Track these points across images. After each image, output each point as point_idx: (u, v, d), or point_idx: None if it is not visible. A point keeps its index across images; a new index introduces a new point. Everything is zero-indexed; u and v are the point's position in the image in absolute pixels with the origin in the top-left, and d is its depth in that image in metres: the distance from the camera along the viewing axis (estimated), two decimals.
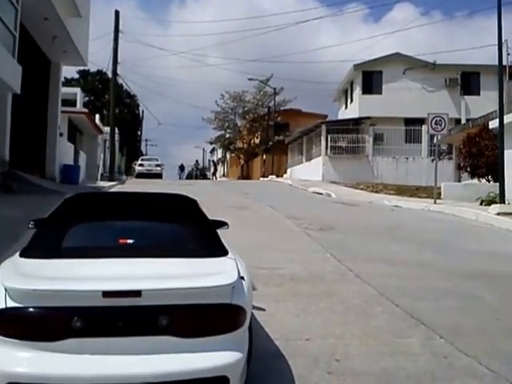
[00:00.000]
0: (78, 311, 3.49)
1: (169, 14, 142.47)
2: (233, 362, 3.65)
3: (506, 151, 18.16)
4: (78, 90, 34.90)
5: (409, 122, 33.98)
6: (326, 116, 51.47)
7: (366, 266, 8.82)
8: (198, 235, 4.82)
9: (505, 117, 18.57)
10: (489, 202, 17.82)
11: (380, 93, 37.76)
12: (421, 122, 30.47)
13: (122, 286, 3.60)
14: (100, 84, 53.21)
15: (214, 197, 16.95)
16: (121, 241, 4.58)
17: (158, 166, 47.94)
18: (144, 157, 55.90)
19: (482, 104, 30.49)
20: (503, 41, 29.13)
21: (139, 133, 68.16)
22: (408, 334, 5.78)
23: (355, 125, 35.70)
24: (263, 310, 5.96)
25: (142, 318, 3.57)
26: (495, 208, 15.83)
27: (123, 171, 51.53)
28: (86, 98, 43.68)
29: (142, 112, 64.40)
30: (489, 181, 21.29)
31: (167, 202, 5.58)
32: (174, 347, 3.58)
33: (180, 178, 42.39)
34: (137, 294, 3.53)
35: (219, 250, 4.52)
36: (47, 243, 4.51)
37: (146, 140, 77.74)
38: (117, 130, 38.42)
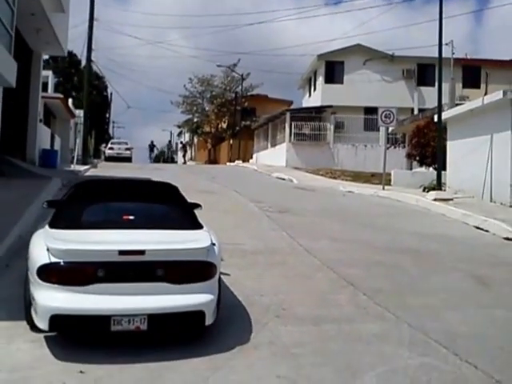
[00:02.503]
0: (101, 264, 5.20)
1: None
2: (207, 301, 5.45)
3: (448, 142, 20.21)
4: (49, 73, 35.41)
5: (368, 110, 35.21)
6: (292, 102, 52.88)
7: (314, 242, 10.55)
8: (180, 214, 6.61)
9: (447, 111, 20.60)
10: (430, 188, 19.75)
11: (342, 82, 39.13)
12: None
13: (132, 247, 5.36)
14: (70, 66, 53.31)
15: (184, 182, 18.24)
16: (124, 217, 6.25)
17: (127, 149, 47.97)
18: (114, 140, 55.66)
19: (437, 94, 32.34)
20: (449, 41, 31.43)
21: (107, 115, 68.21)
22: (339, 292, 7.58)
23: (318, 113, 37.21)
24: (228, 275, 7.59)
25: (145, 270, 5.34)
26: (433, 194, 17.77)
27: (92, 154, 51.76)
28: (56, 79, 43.96)
29: (111, 94, 64.67)
30: (435, 169, 23.24)
31: (157, 188, 7.45)
32: (168, 290, 5.34)
33: (150, 160, 41.52)
34: (142, 252, 5.29)
35: (197, 225, 6.34)
36: (69, 218, 6.15)
37: (114, 122, 77.47)
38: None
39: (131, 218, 6.25)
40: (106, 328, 5.11)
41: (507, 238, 12.10)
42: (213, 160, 56.28)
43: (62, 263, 5.17)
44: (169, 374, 4.85)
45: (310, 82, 44.47)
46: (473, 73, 38.74)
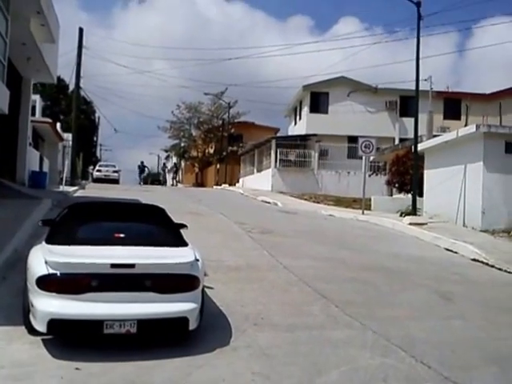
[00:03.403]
0: (94, 276, 5.83)
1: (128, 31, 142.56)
2: (191, 308, 6.12)
3: (425, 171, 21.11)
4: (37, 97, 35.99)
5: (352, 139, 35.81)
6: (278, 129, 53.96)
7: (293, 260, 11.22)
8: (167, 232, 7.30)
9: (425, 142, 21.58)
10: (406, 213, 20.58)
11: (326, 112, 40.14)
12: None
13: (123, 260, 6.00)
14: (58, 91, 53.90)
15: (172, 204, 18.84)
16: (116, 235, 6.89)
17: (115, 171, 48.16)
18: (102, 163, 55.90)
19: (419, 125, 33.41)
20: (428, 76, 32.79)
21: (95, 138, 68.77)
22: (313, 304, 8.24)
23: (303, 140, 38.20)
24: (212, 288, 8.23)
25: (135, 281, 5.98)
26: (408, 219, 18.59)
27: (80, 176, 52.02)
28: (43, 103, 44.44)
29: (98, 118, 65.39)
30: (412, 195, 24.04)
31: (145, 210, 8.13)
32: (155, 299, 5.99)
33: (140, 182, 39.96)
34: (132, 266, 5.95)
35: (182, 243, 7.04)
36: (64, 235, 6.75)
37: (101, 145, 77.88)
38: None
39: (122, 235, 6.88)
40: (99, 331, 5.70)
41: (474, 260, 12.87)
42: (200, 183, 56.78)
43: (58, 274, 5.78)
44: (155, 371, 5.43)
45: (295, 111, 45.45)
46: (453, 105, 40.02)
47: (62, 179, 28.83)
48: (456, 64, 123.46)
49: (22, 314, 6.20)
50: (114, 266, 5.85)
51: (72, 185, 29.11)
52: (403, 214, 20.91)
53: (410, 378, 5.63)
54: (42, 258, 5.97)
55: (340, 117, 38.47)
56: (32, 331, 5.89)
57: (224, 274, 9.49)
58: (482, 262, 12.64)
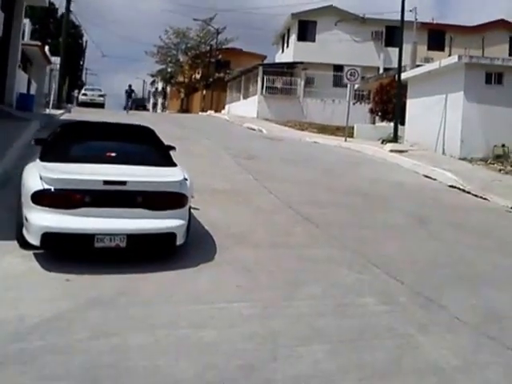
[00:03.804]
0: (87, 192, 6.05)
1: None
2: (179, 225, 6.37)
3: (408, 100, 21.31)
4: (26, 21, 35.26)
5: (337, 68, 35.48)
6: (265, 57, 53.20)
7: (277, 184, 11.49)
8: (157, 153, 7.49)
9: (408, 72, 21.70)
10: (388, 141, 20.87)
11: (313, 41, 39.64)
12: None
13: (115, 178, 6.20)
14: (47, 13, 52.53)
15: (158, 129, 18.81)
16: (108, 154, 7.07)
17: (100, 96, 48.09)
18: (87, 86, 55.08)
19: (404, 55, 33.34)
20: (413, 7, 32.63)
21: (81, 62, 67.61)
22: (295, 225, 8.59)
23: (289, 68, 37.77)
24: (198, 209, 8.46)
25: (126, 197, 6.21)
26: (389, 146, 18.93)
27: (65, 99, 51.36)
28: (31, 27, 43.38)
29: (86, 42, 64.14)
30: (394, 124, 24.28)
31: (135, 130, 8.24)
32: (145, 215, 6.24)
33: (126, 108, 34.99)
34: (124, 183, 6.16)
35: (171, 163, 7.25)
36: (58, 153, 6.92)
37: (87, 69, 76.71)
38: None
39: (113, 154, 7.07)
40: (90, 244, 5.97)
41: (451, 186, 13.27)
42: (185, 109, 56.39)
43: (53, 190, 5.99)
44: (143, 283, 5.72)
45: (283, 39, 44.84)
46: (438, 37, 39.85)
47: (48, 102, 28.60)
48: None
49: (15, 229, 6.42)
50: (106, 182, 6.06)
51: (58, 108, 28.93)
52: (385, 141, 21.20)
53: (383, 292, 5.98)
54: (37, 174, 6.15)
55: (327, 45, 38.03)
56: (24, 245, 6.16)
57: (210, 197, 9.72)
58: (458, 189, 13.07)
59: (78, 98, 50.65)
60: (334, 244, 7.71)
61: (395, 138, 20.79)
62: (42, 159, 6.72)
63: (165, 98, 50.69)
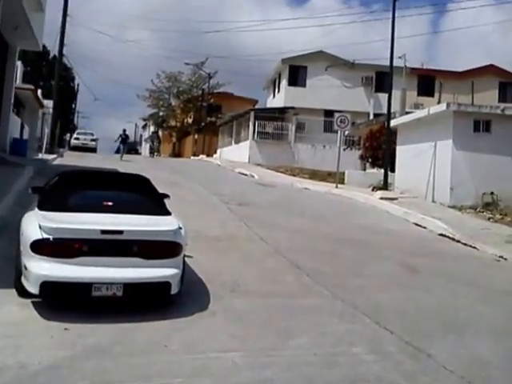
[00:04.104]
0: (85, 241, 6.22)
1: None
2: (173, 274, 6.54)
3: (398, 147, 21.72)
4: (18, 63, 35.68)
5: (328, 113, 35.96)
6: (257, 101, 54.00)
7: (268, 231, 11.70)
8: (151, 201, 7.70)
9: (397, 119, 22.15)
10: (378, 188, 21.24)
11: (304, 86, 40.28)
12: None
13: (112, 227, 6.38)
14: (39, 56, 53.19)
15: (151, 174, 19.00)
16: (104, 203, 7.27)
17: (93, 140, 48.41)
18: (80, 130, 55.60)
19: (393, 101, 33.99)
20: (402, 54, 33.45)
21: (73, 105, 68.15)
22: (286, 273, 8.75)
23: (280, 113, 38.46)
24: (191, 257, 8.62)
25: (122, 246, 6.38)
26: (379, 193, 19.23)
27: (56, 143, 51.50)
28: (23, 69, 43.90)
29: (77, 85, 64.83)
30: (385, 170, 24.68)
31: (131, 179, 8.47)
32: (140, 264, 6.41)
33: (121, 154, 32.92)
34: (121, 232, 6.34)
35: (166, 212, 7.45)
36: (56, 202, 7.11)
37: (79, 112, 77.21)
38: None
39: (110, 203, 7.26)
40: (88, 293, 6.10)
41: (441, 234, 13.52)
42: (177, 153, 56.74)
43: (52, 239, 6.15)
44: (139, 332, 5.85)
45: (274, 84, 45.52)
46: (427, 82, 40.59)
47: (40, 147, 28.80)
48: (431, 40, 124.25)
49: (14, 277, 6.56)
50: (103, 232, 6.23)
51: (51, 153, 29.03)
52: (375, 188, 21.57)
53: (373, 342, 6.14)
54: (36, 223, 6.31)
55: (317, 91, 38.62)
56: (22, 293, 6.26)
57: (203, 244, 9.86)
58: (448, 237, 13.31)
59: (70, 141, 50.82)
60: (325, 293, 7.87)
61: (385, 185, 21.19)
62: (41, 208, 6.89)
63: (160, 142, 49.99)
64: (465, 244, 12.67)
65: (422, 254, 11.21)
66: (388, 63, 23.20)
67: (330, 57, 40.44)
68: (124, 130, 36.17)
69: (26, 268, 6.15)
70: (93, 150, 45.36)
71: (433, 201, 18.56)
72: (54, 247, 6.14)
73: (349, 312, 7.11)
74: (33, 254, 6.10)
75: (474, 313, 7.62)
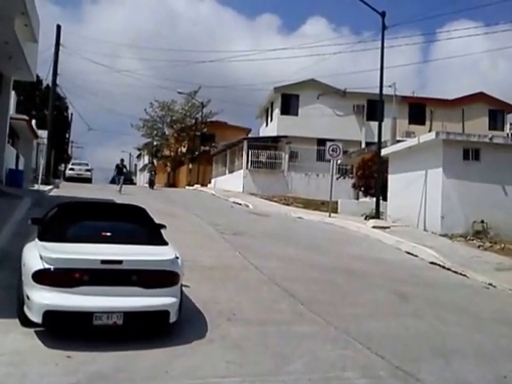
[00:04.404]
0: (86, 271, 6.46)
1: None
2: (172, 302, 6.80)
3: (390, 175, 22.06)
4: (11, 94, 35.98)
5: (321, 142, 36.08)
6: (250, 130, 54.57)
7: (263, 261, 11.98)
8: (149, 232, 7.97)
9: (388, 147, 22.53)
10: (370, 217, 21.54)
11: (296, 114, 40.89)
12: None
13: (112, 257, 6.64)
14: (32, 86, 53.56)
15: (146, 205, 19.17)
16: (103, 233, 7.54)
17: (87, 170, 48.41)
18: (75, 161, 55.80)
19: (384, 129, 34.50)
20: (391, 83, 34.15)
21: (67, 135, 68.42)
22: (281, 301, 9.01)
23: (274, 142, 39.08)
24: (188, 286, 8.85)
25: (122, 276, 6.63)
26: (372, 222, 19.52)
27: (51, 174, 51.56)
28: (16, 98, 44.16)
29: (71, 115, 65.23)
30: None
31: (128, 210, 8.76)
32: (140, 293, 6.66)
33: (119, 185, 29.62)
34: (120, 262, 6.60)
35: (163, 242, 7.73)
36: (56, 233, 7.36)
37: (72, 142, 77.42)
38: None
39: (109, 234, 7.54)
40: (89, 322, 6.33)
41: (432, 263, 13.81)
42: (172, 183, 56.96)
43: (53, 269, 6.39)
44: (139, 359, 6.09)
45: (267, 113, 46.09)
46: (418, 110, 41.21)
47: (36, 177, 28.98)
48: (421, 67, 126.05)
49: (17, 307, 6.79)
50: (103, 262, 6.48)
51: (46, 183, 29.27)
52: (367, 217, 21.86)
53: (365, 367, 6.39)
54: (37, 254, 6.56)
55: (310, 119, 39.16)
56: (25, 323, 6.49)
57: (199, 274, 10.12)
58: (439, 265, 13.59)
59: (64, 172, 50.91)
60: (318, 321, 8.12)
61: (377, 214, 21.45)
62: (41, 239, 7.12)
63: (155, 172, 48.61)
64: (455, 272, 12.94)
65: (413, 283, 11.48)
66: (378, 91, 23.59)
67: (321, 85, 41.03)
68: (122, 160, 35.45)
69: (28, 298, 6.36)
70: (88, 180, 45.49)
71: (424, 229, 18.86)
72: (56, 277, 6.36)
73: (342, 338, 7.36)
74: (35, 283, 6.32)
75: (463, 339, 7.88)
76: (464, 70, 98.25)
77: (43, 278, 6.34)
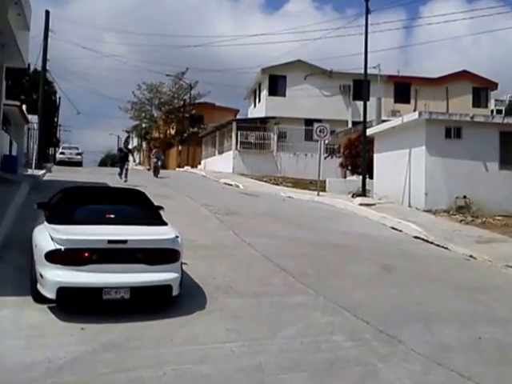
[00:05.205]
0: (94, 250, 7.05)
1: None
2: (174, 277, 7.42)
3: (375, 154, 22.69)
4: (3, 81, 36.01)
5: (308, 122, 36.52)
6: (238, 111, 54.93)
7: (255, 238, 12.59)
8: (149, 213, 8.58)
9: (374, 127, 23.11)
10: (357, 195, 22.22)
11: (284, 95, 41.30)
12: (319, 122, 34.11)
13: (117, 237, 7.23)
14: (21, 71, 53.40)
15: (139, 187, 19.76)
16: (107, 215, 8.13)
17: (78, 154, 49.02)
18: (65, 145, 56.02)
19: (370, 109, 35.02)
20: (376, 64, 34.71)
21: (56, 119, 68.36)
22: (273, 275, 9.66)
23: (262, 123, 39.59)
24: (186, 264, 9.41)
25: (127, 254, 7.23)
26: (358, 200, 20.20)
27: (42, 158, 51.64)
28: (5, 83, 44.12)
29: (59, 99, 65.18)
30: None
31: (129, 193, 9.35)
32: (144, 269, 7.27)
33: (121, 175, 25.01)
34: (125, 242, 7.19)
35: (163, 222, 8.34)
36: (63, 216, 7.94)
37: (60, 125, 77.31)
38: (37, 118, 38.95)
39: (112, 216, 8.14)
40: (99, 297, 6.94)
41: (416, 237, 14.49)
42: (162, 165, 57.24)
43: (63, 249, 6.97)
44: (147, 329, 6.73)
45: (255, 94, 46.45)
46: (403, 89, 41.78)
47: (29, 162, 29.27)
48: (407, 45, 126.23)
49: (30, 285, 7.39)
50: (110, 241, 7.07)
51: (39, 168, 29.57)
52: (355, 195, 22.51)
53: (352, 331, 7.07)
54: (48, 236, 7.16)
55: (297, 100, 39.54)
56: (38, 299, 7.09)
57: (195, 252, 10.63)
58: (422, 239, 14.27)
59: (54, 156, 51.18)
60: (308, 292, 8.79)
61: (364, 192, 22.12)
62: (50, 222, 7.72)
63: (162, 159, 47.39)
64: (438, 245, 13.61)
65: (397, 256, 12.15)
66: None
67: (308, 66, 41.37)
68: (126, 143, 32.12)
69: (41, 276, 6.95)
70: (78, 163, 45.94)
71: (409, 206, 19.52)
72: (66, 256, 6.94)
73: (330, 307, 8.04)
74: (47, 263, 6.91)
75: (442, 306, 8.55)
76: (447, 46, 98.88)
77: (55, 257, 6.91)
